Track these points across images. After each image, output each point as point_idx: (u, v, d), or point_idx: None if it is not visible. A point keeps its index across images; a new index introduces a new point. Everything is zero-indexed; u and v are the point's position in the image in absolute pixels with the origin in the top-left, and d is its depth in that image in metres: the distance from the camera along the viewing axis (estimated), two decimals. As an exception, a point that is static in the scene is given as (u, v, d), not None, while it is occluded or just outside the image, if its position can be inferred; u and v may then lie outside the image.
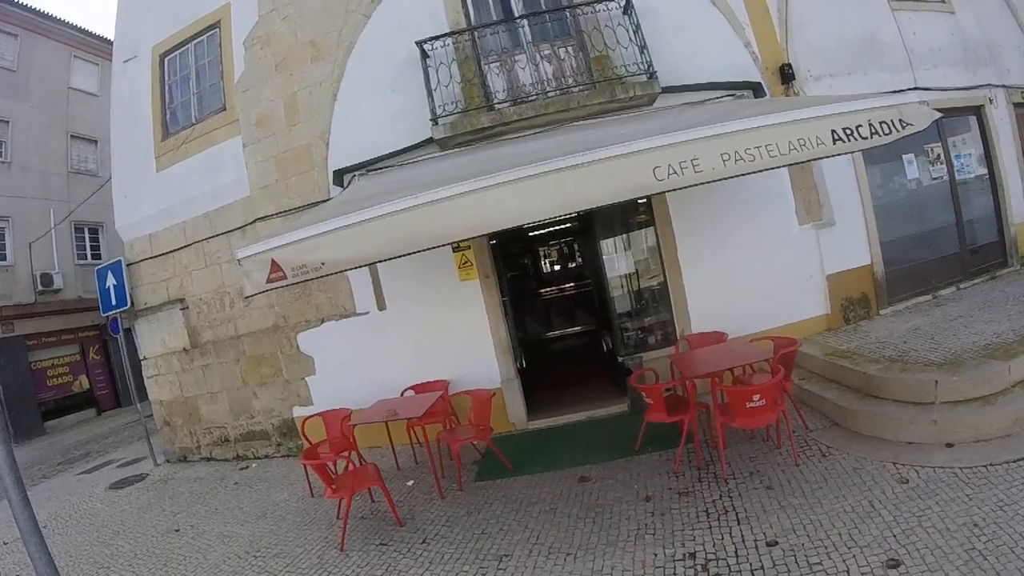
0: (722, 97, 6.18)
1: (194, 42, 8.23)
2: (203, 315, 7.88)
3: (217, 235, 7.64)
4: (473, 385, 6.19)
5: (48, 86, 17.56)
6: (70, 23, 18.31)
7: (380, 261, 4.18)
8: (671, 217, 6.45)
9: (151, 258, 8.29)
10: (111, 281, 8.46)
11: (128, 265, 8.43)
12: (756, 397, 4.27)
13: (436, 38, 6.28)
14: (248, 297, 4.23)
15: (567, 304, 10.84)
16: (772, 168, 3.84)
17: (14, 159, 16.47)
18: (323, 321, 7.14)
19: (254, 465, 7.45)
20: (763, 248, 6.44)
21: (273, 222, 7.19)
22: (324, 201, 6.79)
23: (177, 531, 5.65)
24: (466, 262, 6.66)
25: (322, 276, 4.04)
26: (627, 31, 6.04)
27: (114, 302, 8.43)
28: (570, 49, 6.34)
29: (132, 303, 8.38)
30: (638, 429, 5.19)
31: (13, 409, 15.49)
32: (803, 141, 3.72)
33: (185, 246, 7.94)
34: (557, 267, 12.00)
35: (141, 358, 8.55)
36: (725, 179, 3.80)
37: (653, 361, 6.28)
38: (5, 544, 6.30)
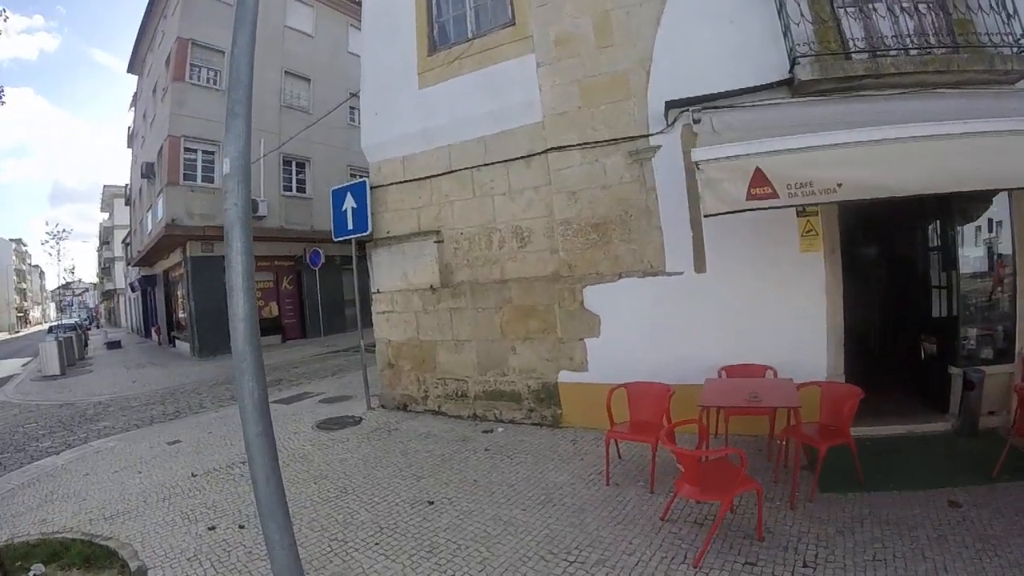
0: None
1: (472, -47, 7.36)
2: (461, 252, 7.01)
3: (493, 163, 6.70)
4: (792, 375, 5.04)
5: (265, 21, 17.99)
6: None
7: (910, 195, 3.16)
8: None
9: (402, 182, 7.54)
10: (349, 203, 7.86)
11: (372, 188, 7.76)
12: None
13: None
14: (709, 216, 3.25)
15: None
16: None
17: (229, 87, 17.04)
18: (620, 276, 6.00)
19: (500, 430, 6.45)
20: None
21: (570, 154, 6.14)
22: (643, 136, 5.88)
23: (432, 504, 4.61)
24: (810, 230, 5.38)
25: (831, 202, 3.03)
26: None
27: (350, 226, 7.82)
28: (931, 4, 5.37)
29: (371, 230, 7.71)
30: (973, 450, 4.80)
31: (202, 326, 16.17)
32: None
33: (448, 172, 7.09)
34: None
35: (373, 291, 7.88)
36: None
37: (991, 377, 5.15)
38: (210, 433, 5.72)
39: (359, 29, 21.77)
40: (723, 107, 5.53)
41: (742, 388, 4.65)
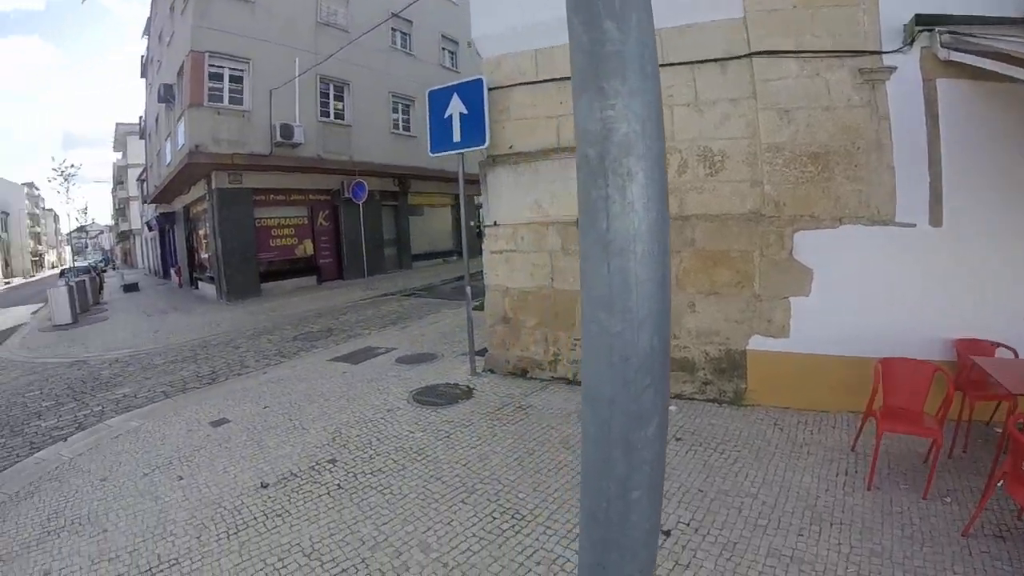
0: None
1: None
2: (620, 178, 5.57)
3: (673, 64, 5.17)
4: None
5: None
6: None
7: None
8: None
9: (535, 82, 5.92)
10: (457, 108, 6.12)
11: (489, 90, 6.06)
12: None
13: None
14: None
15: None
16: None
17: (259, -1, 15.14)
18: (840, 222, 4.72)
19: (672, 407, 5.07)
20: None
21: (784, 63, 4.77)
22: (875, 53, 4.64)
23: (668, 535, 3.18)
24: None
25: None
26: None
27: (457, 138, 6.14)
28: None
29: (488, 143, 6.05)
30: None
31: (230, 267, 14.75)
32: None
33: (604, 74, 5.57)
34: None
35: (489, 223, 6.38)
36: None
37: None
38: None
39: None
40: (963, 34, 4.37)
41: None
